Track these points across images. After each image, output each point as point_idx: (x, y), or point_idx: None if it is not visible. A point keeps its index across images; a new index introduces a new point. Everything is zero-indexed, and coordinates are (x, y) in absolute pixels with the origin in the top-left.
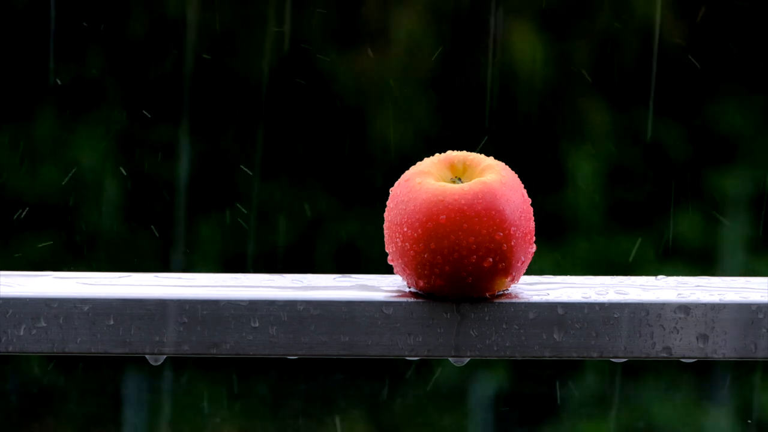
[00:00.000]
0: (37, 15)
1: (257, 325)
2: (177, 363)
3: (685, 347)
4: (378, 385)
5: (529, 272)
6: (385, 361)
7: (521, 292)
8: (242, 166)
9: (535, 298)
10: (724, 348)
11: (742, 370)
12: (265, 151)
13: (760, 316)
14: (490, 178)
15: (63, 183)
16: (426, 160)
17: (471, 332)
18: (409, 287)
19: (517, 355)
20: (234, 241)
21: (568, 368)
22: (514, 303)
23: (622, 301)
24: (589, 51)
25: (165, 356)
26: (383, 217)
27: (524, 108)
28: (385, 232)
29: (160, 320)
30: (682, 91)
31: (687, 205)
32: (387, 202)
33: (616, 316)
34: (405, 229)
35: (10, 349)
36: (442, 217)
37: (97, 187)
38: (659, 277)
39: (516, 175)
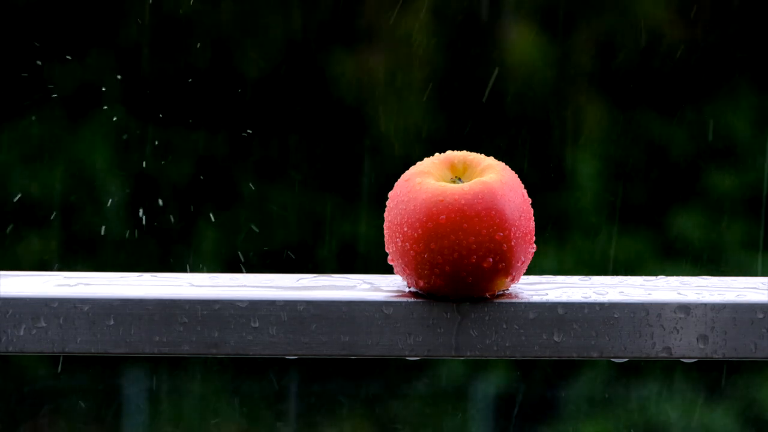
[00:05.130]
0: (37, 14)
1: (257, 325)
2: (177, 363)
3: (685, 347)
4: (378, 384)
5: (529, 272)
6: (385, 360)
7: (521, 292)
8: (242, 166)
9: (535, 298)
10: (724, 348)
11: (742, 369)
12: (265, 150)
13: (760, 316)
14: (490, 178)
15: (63, 183)
16: (426, 160)
17: (471, 332)
18: (409, 287)
19: (517, 355)
20: (234, 241)
21: (568, 368)
22: (514, 303)
23: (622, 301)
24: (589, 51)
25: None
26: (383, 217)
27: (524, 108)
28: (385, 232)
29: (160, 320)
30: (682, 91)
31: (687, 204)
32: (387, 202)
33: (616, 316)
34: (405, 229)
35: (10, 349)
36: (442, 217)
37: (98, 187)
38: (659, 277)
39: (516, 175)
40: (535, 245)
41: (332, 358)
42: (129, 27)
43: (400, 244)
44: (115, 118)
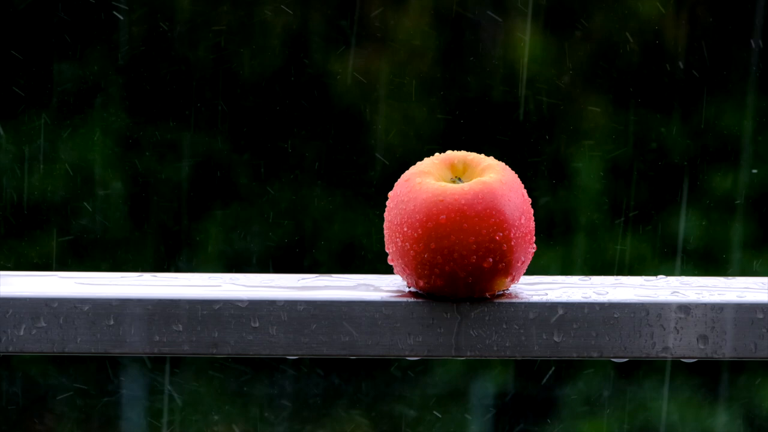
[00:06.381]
0: (37, 14)
1: (257, 325)
2: (177, 363)
3: (685, 347)
4: (378, 384)
5: (529, 272)
6: (385, 361)
7: (521, 292)
8: (242, 166)
9: (535, 298)
10: (724, 348)
11: (742, 370)
12: (265, 150)
13: (760, 316)
14: (490, 178)
15: (63, 183)
16: (426, 160)
17: (471, 332)
18: (409, 287)
19: (517, 355)
20: (234, 241)
21: (568, 368)
22: (514, 303)
23: (622, 301)
24: (589, 51)
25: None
26: (383, 217)
27: (524, 107)
28: (385, 232)
29: (160, 320)
30: (682, 90)
31: (687, 204)
32: (387, 202)
33: (616, 316)
34: (405, 229)
35: (10, 349)
36: (442, 217)
37: (98, 187)
38: (659, 277)
39: (516, 175)
40: (535, 245)
41: (332, 358)
42: (130, 27)
43: (400, 244)
44: (115, 118)
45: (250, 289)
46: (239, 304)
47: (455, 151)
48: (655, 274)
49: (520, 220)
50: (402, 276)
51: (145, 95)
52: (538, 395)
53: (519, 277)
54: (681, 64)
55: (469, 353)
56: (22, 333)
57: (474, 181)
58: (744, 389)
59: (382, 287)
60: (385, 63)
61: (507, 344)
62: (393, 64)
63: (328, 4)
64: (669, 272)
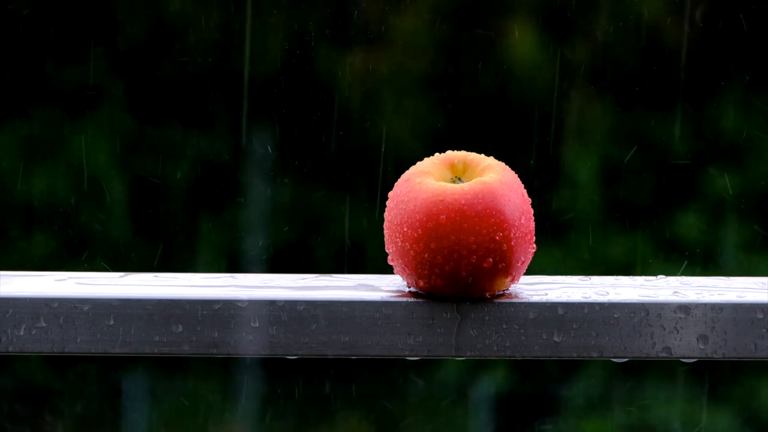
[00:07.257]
0: (39, 15)
1: (257, 325)
2: (177, 363)
3: (685, 347)
4: (378, 385)
5: (529, 272)
6: (385, 360)
7: (521, 292)
8: (242, 166)
9: (535, 298)
10: (724, 348)
11: (742, 370)
12: (265, 150)
13: (760, 316)
14: (490, 178)
15: (63, 183)
16: (426, 160)
17: (471, 332)
18: (409, 287)
19: (517, 355)
20: (234, 241)
21: (568, 368)
22: (514, 303)
23: (622, 301)
24: (589, 51)
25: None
26: (383, 217)
27: (524, 108)
28: (385, 232)
29: (160, 320)
30: (682, 90)
31: (687, 204)
32: (387, 202)
33: (616, 316)
34: (405, 229)
35: (10, 349)
36: (442, 217)
37: (98, 187)
38: (659, 277)
39: (516, 175)
40: (535, 245)
41: (332, 358)
42: (129, 27)
43: (400, 244)
44: (115, 118)
45: (250, 289)
46: (239, 304)
47: (455, 151)
48: (655, 274)
49: (520, 220)
50: (402, 276)
51: (146, 96)
52: (538, 395)
53: (519, 277)
54: (681, 64)
55: (469, 353)
56: (22, 333)
57: (474, 181)
58: (744, 389)
59: (382, 287)
60: (385, 62)
61: (507, 344)
62: (393, 64)
63: (330, 4)
64: (669, 272)
